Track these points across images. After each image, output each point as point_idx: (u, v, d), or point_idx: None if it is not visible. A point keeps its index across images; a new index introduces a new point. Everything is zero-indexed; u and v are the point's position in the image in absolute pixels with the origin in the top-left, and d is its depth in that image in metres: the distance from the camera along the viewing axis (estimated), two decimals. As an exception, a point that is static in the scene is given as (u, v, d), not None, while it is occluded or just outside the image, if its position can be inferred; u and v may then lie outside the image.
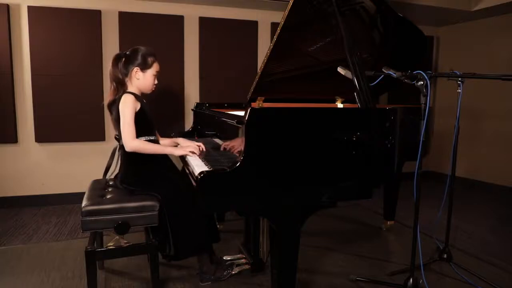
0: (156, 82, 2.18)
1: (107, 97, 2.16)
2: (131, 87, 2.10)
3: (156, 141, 2.20)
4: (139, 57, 2.08)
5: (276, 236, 1.68)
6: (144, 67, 2.09)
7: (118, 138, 2.14)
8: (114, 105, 2.07)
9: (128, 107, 1.98)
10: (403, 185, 3.02)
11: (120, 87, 2.09)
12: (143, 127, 2.05)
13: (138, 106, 2.04)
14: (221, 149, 2.18)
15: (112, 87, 2.12)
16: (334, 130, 1.70)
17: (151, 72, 2.12)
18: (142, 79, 2.11)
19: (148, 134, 2.11)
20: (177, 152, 2.11)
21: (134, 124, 1.99)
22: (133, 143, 1.98)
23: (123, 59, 2.08)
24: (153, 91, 2.20)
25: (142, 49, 2.11)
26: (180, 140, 2.36)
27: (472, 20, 4.71)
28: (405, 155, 2.19)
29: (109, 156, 2.32)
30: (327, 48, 2.39)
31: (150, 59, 2.11)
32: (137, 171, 2.08)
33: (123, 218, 1.89)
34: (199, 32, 4.04)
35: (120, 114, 1.99)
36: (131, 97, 2.01)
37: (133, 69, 2.08)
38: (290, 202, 1.65)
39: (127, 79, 2.10)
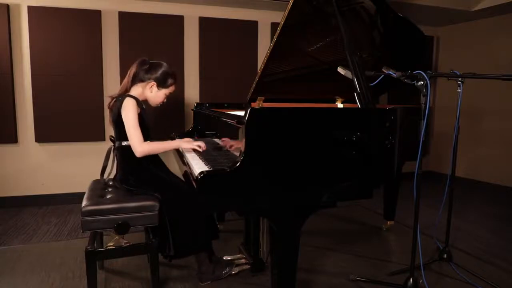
0: (165, 101, 2.21)
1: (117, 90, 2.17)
2: (137, 92, 2.10)
3: None
4: (161, 74, 2.11)
5: (276, 236, 1.68)
6: (161, 84, 2.13)
7: (113, 139, 2.14)
8: (115, 103, 2.07)
9: (131, 111, 1.98)
10: (403, 185, 3.02)
11: (131, 85, 2.11)
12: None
13: (138, 111, 2.03)
14: (220, 140, 2.23)
15: (126, 82, 2.13)
16: (334, 130, 1.70)
17: (165, 91, 2.16)
18: (154, 94, 2.14)
19: (145, 140, 2.09)
20: (184, 145, 2.16)
21: (139, 127, 1.99)
22: (142, 147, 1.99)
23: (147, 66, 2.10)
24: (157, 106, 2.22)
25: (166, 66, 2.14)
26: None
27: (472, 20, 4.71)
28: (405, 155, 2.20)
29: (104, 157, 2.32)
30: (327, 48, 2.39)
31: (170, 81, 2.15)
32: (136, 171, 2.08)
33: (123, 218, 1.89)
34: (199, 32, 4.04)
35: (124, 119, 1.99)
36: (133, 101, 2.01)
37: (150, 81, 2.10)
38: (290, 202, 1.64)
39: (139, 85, 2.11)
